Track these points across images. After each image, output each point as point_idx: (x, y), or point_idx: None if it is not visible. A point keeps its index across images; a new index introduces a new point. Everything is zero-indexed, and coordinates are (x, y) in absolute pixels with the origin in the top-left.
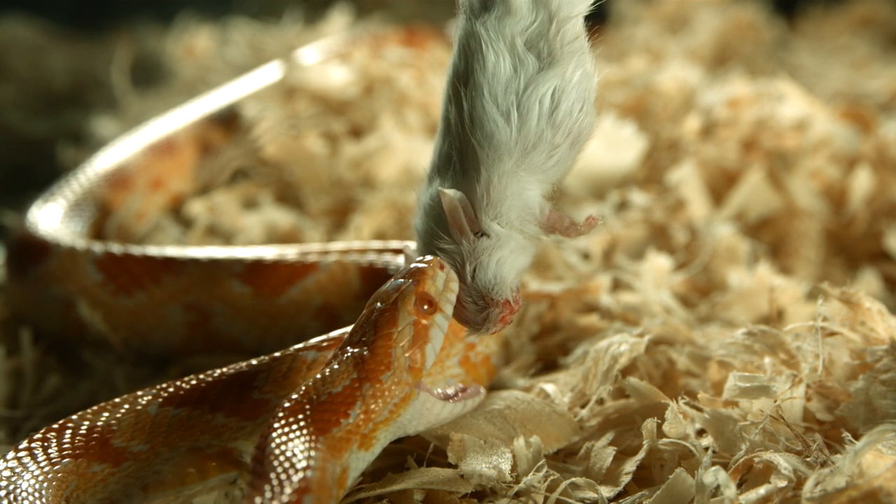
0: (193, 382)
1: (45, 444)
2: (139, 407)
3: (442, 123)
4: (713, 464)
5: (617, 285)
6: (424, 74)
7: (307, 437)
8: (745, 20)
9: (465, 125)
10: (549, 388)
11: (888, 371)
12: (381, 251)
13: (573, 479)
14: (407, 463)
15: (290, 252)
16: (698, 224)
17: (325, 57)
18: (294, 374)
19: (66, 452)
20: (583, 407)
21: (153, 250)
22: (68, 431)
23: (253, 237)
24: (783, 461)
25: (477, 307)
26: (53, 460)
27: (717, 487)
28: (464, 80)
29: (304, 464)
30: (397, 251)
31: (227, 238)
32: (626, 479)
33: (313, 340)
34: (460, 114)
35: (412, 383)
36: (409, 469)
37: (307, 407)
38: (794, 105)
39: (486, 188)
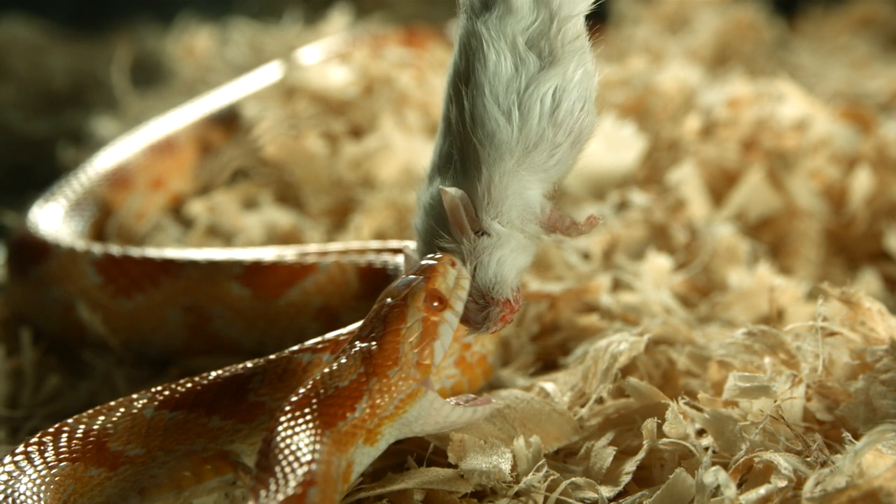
0: (189, 385)
1: (42, 447)
2: (135, 410)
3: (443, 123)
4: (713, 464)
5: (617, 285)
6: (424, 74)
7: (313, 431)
8: (745, 20)
9: (466, 124)
10: (549, 387)
11: (888, 371)
12: (379, 251)
13: (573, 479)
14: (407, 463)
15: (288, 253)
16: (698, 224)
17: (326, 57)
18: (290, 377)
19: (63, 456)
20: (583, 406)
21: (152, 252)
22: (64, 435)
23: (253, 237)
24: (783, 461)
25: (477, 306)
26: (50, 464)
27: (718, 487)
28: (465, 80)
29: (309, 457)
30: (396, 251)
31: (227, 238)
32: (626, 478)
33: (309, 343)
34: (461, 113)
35: (419, 379)
36: (409, 469)
37: (314, 401)
38: (794, 105)
39: (487, 187)
